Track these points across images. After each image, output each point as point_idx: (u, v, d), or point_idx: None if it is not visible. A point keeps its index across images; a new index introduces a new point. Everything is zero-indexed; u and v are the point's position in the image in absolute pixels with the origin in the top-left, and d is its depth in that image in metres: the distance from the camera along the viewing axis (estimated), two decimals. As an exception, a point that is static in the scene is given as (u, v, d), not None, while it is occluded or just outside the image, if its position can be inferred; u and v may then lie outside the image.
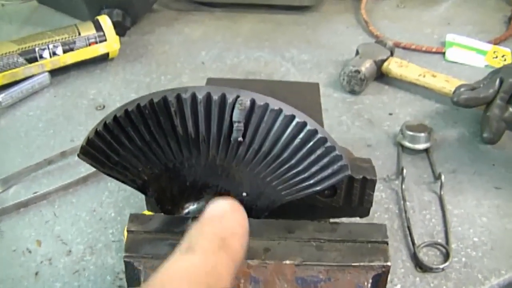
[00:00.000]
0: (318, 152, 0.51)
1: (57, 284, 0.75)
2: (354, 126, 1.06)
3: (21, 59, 1.13)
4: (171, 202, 0.56)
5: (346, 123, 1.07)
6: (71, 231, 0.83)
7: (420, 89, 1.15)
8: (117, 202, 0.88)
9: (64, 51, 1.17)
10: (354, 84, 1.14)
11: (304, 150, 0.51)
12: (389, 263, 0.50)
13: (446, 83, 1.12)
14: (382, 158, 0.98)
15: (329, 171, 0.52)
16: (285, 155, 0.51)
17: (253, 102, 0.49)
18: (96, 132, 0.52)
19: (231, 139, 0.51)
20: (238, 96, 0.49)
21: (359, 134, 1.04)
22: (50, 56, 1.16)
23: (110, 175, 0.55)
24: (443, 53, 1.31)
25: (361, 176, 0.59)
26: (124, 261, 0.50)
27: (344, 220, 0.75)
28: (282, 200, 0.55)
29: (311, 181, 0.53)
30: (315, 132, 0.50)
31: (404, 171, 0.91)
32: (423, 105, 1.13)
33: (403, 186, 0.90)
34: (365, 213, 0.63)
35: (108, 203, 0.88)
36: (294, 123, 0.50)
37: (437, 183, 0.92)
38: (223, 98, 0.49)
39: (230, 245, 0.37)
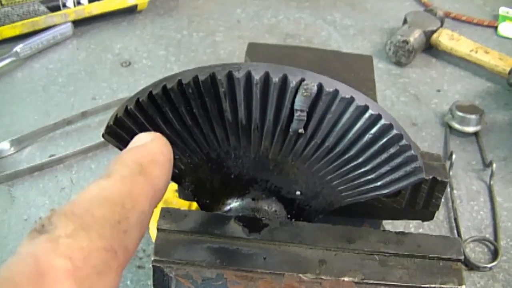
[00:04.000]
0: (391, 150, 0.43)
1: (71, 261, 0.69)
2: (399, 102, 0.99)
3: (42, 7, 1.06)
4: (210, 196, 0.49)
5: (391, 98, 1.00)
6: (89, 201, 0.76)
7: (471, 65, 1.08)
8: (139, 171, 0.81)
9: (90, 1, 1.11)
10: (400, 55, 1.07)
11: (375, 147, 0.43)
12: (463, 287, 0.43)
13: (499, 61, 1.05)
14: (428, 140, 0.92)
15: (400, 173, 0.44)
16: (352, 152, 0.43)
17: (320, 88, 0.41)
18: (126, 111, 0.43)
19: (290, 130, 0.43)
20: (303, 80, 0.41)
21: (404, 111, 0.98)
22: (74, 5, 1.09)
23: None
24: (495, 27, 1.22)
25: (430, 177, 0.51)
26: (153, 265, 0.42)
27: (393, 224, 0.68)
28: (341, 203, 0.47)
29: (378, 183, 0.45)
30: (390, 127, 0.42)
31: (453, 156, 0.84)
32: (473, 83, 1.06)
33: (451, 173, 0.84)
34: (429, 216, 0.55)
35: (130, 171, 0.81)
36: (367, 115, 0.41)
37: (486, 171, 0.86)
38: (284, 80, 0.41)
39: (148, 171, 0.36)
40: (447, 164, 0.84)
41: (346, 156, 0.44)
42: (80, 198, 0.33)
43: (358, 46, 1.13)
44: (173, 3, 1.24)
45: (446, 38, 1.09)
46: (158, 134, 0.39)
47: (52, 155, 0.83)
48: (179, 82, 0.41)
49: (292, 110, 0.42)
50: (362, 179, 0.45)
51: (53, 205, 0.76)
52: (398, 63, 1.08)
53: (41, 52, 1.06)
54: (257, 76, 0.40)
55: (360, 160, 0.44)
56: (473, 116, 0.91)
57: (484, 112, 0.92)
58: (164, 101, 0.43)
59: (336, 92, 0.41)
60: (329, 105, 0.41)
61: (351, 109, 0.41)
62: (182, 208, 0.47)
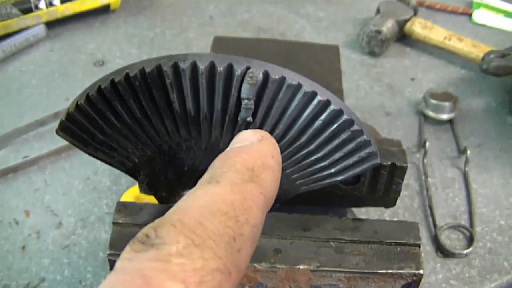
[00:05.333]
0: (343, 136, 0.43)
1: (45, 260, 0.69)
2: (373, 92, 0.99)
3: (15, 10, 1.05)
4: (166, 189, 0.49)
5: (364, 88, 1.00)
6: (62, 201, 0.77)
7: (445, 53, 1.08)
8: (112, 169, 0.79)
9: (62, 2, 1.10)
10: (374, 45, 1.07)
11: (326, 133, 0.43)
12: (421, 271, 0.43)
13: (473, 48, 1.04)
14: (402, 129, 0.91)
15: (354, 158, 0.44)
16: (303, 139, 0.43)
17: (266, 75, 0.41)
18: (77, 106, 0.43)
19: (239, 118, 0.43)
20: (248, 68, 0.41)
21: (378, 100, 0.97)
22: (47, 7, 1.09)
23: (95, 156, 0.47)
24: (470, 15, 1.22)
25: (389, 162, 0.51)
26: (108, 259, 0.42)
27: (367, 213, 0.68)
28: (297, 191, 0.47)
29: (332, 170, 0.45)
30: (340, 112, 0.42)
31: (427, 144, 0.84)
32: (447, 71, 1.06)
33: (425, 161, 0.84)
34: (391, 203, 0.55)
35: (103, 170, 0.82)
36: (315, 101, 0.41)
37: (461, 158, 0.86)
38: (229, 69, 0.41)
39: (260, 177, 0.33)
40: (421, 152, 0.84)
41: (297, 143, 0.44)
42: (189, 206, 0.29)
43: (332, 38, 1.13)
44: (146, 2, 1.24)
45: (419, 26, 1.09)
46: (266, 134, 0.36)
47: (26, 157, 0.82)
48: (126, 75, 0.41)
49: (239, 99, 0.42)
50: (316, 167, 0.45)
51: (27, 206, 0.76)
52: (372, 53, 1.08)
53: (14, 54, 1.05)
54: (202, 66, 0.40)
55: (311, 147, 0.44)
56: (446, 104, 0.91)
57: (458, 99, 0.92)
58: (112, 94, 0.43)
59: (282, 79, 0.41)
60: (276, 93, 0.41)
61: (299, 95, 0.41)
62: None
